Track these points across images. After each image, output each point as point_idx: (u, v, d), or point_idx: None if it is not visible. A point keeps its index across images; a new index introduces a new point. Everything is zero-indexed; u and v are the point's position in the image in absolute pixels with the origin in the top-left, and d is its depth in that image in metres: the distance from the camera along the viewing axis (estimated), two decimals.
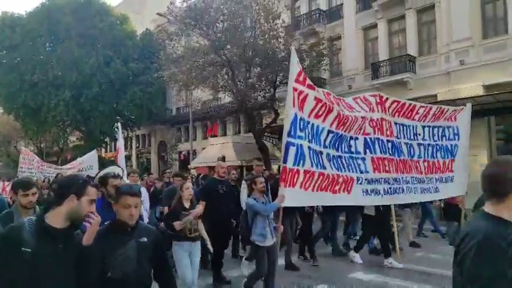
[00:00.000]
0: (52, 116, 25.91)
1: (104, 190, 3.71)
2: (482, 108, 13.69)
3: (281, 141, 21.92)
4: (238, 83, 17.04)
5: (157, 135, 32.50)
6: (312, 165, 5.15)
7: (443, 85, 15.49)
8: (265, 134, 19.23)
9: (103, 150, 35.57)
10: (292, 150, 4.93)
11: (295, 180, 4.97)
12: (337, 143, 5.61)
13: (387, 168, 6.16)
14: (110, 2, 28.17)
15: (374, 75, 17.62)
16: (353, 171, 5.74)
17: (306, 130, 5.14)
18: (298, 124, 5.00)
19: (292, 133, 4.95)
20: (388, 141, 6.25)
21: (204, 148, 24.50)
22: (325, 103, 5.36)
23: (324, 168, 5.32)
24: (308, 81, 5.28)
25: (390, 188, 6.17)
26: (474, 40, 14.90)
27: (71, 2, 26.09)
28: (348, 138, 5.78)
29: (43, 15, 25.82)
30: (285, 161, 4.92)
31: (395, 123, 6.42)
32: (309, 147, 5.14)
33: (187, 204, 4.71)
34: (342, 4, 19.75)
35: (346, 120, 5.62)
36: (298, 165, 4.99)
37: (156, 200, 7.61)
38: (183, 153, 28.10)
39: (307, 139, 5.13)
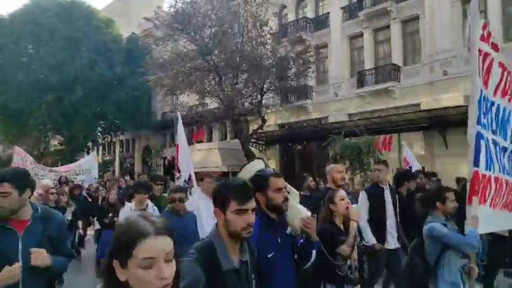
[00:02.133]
0: (33, 119, 25.30)
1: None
2: (464, 117, 14.00)
3: (268, 148, 21.93)
4: (225, 88, 17.00)
5: (142, 140, 32.08)
6: (500, 170, 3.51)
7: (426, 94, 15.79)
8: (252, 140, 19.20)
9: (85, 155, 34.88)
10: (483, 146, 3.32)
11: (486, 194, 3.33)
12: None
13: None
14: (96, 6, 27.90)
15: (359, 84, 17.85)
16: None
17: (489, 115, 3.50)
18: (482, 106, 3.38)
19: (480, 119, 3.32)
20: None
21: (189, 154, 24.25)
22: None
23: (509, 174, 3.65)
24: (492, 38, 3.54)
25: None
26: (456, 51, 15.27)
27: (55, 5, 25.66)
28: None
29: (26, 17, 25.30)
30: (476, 164, 3.23)
31: None
32: (494, 142, 3.52)
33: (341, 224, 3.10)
34: (328, 13, 20.01)
35: None
36: (489, 169, 3.38)
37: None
38: (167, 158, 27.79)
39: (490, 129, 3.49)
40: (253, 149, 19.15)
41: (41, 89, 25.04)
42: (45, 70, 24.76)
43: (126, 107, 26.85)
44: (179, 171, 5.58)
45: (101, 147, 35.22)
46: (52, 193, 6.06)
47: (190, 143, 27.53)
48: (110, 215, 6.30)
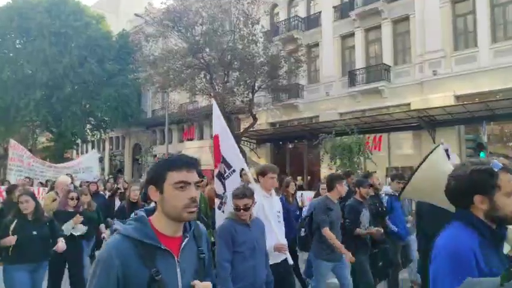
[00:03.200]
0: (21, 116, 24.91)
1: None
2: (452, 117, 14.19)
3: (259, 147, 21.97)
4: (216, 86, 16.94)
5: (132, 137, 31.82)
6: None
7: (416, 94, 15.95)
8: (243, 138, 19.19)
9: (74, 152, 34.49)
10: None
11: None
12: None
13: None
14: (85, 1, 27.54)
15: (350, 83, 17.94)
16: None
17: None
18: None
19: None
20: None
21: (179, 151, 24.16)
22: None
23: None
24: None
25: None
26: (446, 52, 15.45)
27: (44, 0, 25.27)
28: None
29: (13, 12, 24.85)
30: None
31: None
32: None
33: None
34: (320, 12, 20.05)
35: None
36: None
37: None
38: (158, 156, 27.62)
39: None
40: (244, 148, 19.14)
41: (29, 85, 24.65)
42: (33, 66, 24.38)
43: (116, 104, 26.58)
44: (229, 167, 4.44)
45: (90, 145, 34.83)
46: (72, 198, 4.96)
47: (180, 140, 27.55)
48: (133, 215, 5.69)
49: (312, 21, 20.43)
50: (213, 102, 5.23)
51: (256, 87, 17.53)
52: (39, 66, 24.16)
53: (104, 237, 5.92)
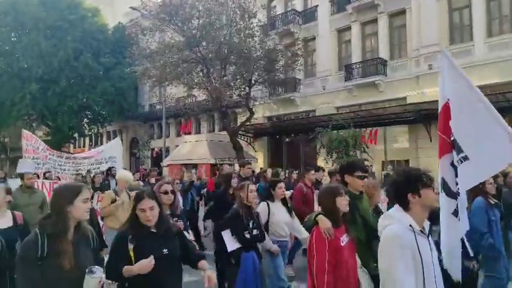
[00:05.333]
0: (17, 110, 24.81)
1: None
2: None
3: (256, 140, 22.06)
4: (213, 80, 16.94)
5: (129, 131, 31.79)
6: None
7: (412, 88, 16.03)
8: (240, 132, 19.24)
9: (71, 146, 34.43)
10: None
11: None
12: None
13: None
14: None
15: (347, 77, 17.99)
16: None
17: None
18: None
19: None
20: None
21: (177, 145, 24.19)
22: None
23: None
24: None
25: None
26: (441, 45, 15.48)
27: None
28: None
29: (8, 5, 24.63)
30: None
31: None
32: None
33: None
34: (317, 6, 20.02)
35: None
36: None
37: None
38: (155, 150, 27.64)
39: None
40: (241, 141, 19.20)
41: (24, 79, 24.53)
42: (28, 59, 24.23)
43: (112, 97, 26.53)
44: (460, 151, 3.09)
45: (87, 139, 34.77)
46: (166, 192, 3.65)
47: (178, 134, 27.55)
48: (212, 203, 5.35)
49: (309, 15, 20.40)
50: (443, 51, 3.67)
51: (253, 81, 17.54)
52: (35, 59, 24.02)
53: None
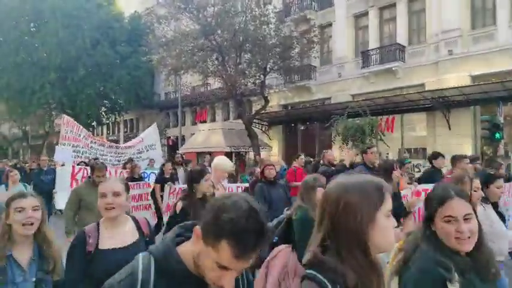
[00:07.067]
0: (37, 99, 25.38)
1: None
2: (467, 98, 13.95)
3: (271, 128, 22.06)
4: (228, 68, 16.92)
5: (146, 120, 32.15)
6: None
7: (431, 74, 15.66)
8: (255, 120, 19.25)
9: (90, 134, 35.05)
10: None
11: None
12: None
13: None
14: None
15: (364, 64, 17.69)
16: None
17: None
18: None
19: None
20: None
21: (193, 134, 24.40)
22: None
23: None
24: None
25: None
26: (463, 30, 15.04)
27: None
28: None
29: None
30: None
31: None
32: None
33: None
34: None
35: None
36: None
37: None
38: (171, 138, 27.95)
39: None
40: (256, 130, 19.22)
41: (43, 68, 25.00)
42: (47, 49, 24.64)
43: (129, 86, 26.81)
44: None
45: (105, 127, 35.37)
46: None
47: (194, 123, 27.72)
48: None
49: (325, 1, 20.02)
50: None
51: (268, 69, 17.44)
52: (53, 48, 24.41)
53: None
